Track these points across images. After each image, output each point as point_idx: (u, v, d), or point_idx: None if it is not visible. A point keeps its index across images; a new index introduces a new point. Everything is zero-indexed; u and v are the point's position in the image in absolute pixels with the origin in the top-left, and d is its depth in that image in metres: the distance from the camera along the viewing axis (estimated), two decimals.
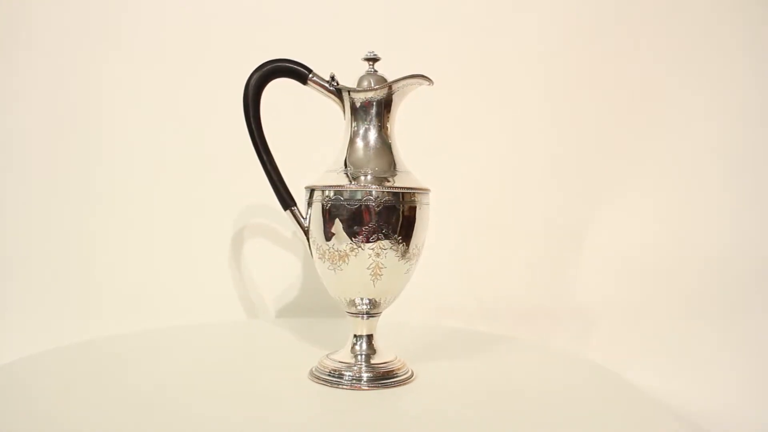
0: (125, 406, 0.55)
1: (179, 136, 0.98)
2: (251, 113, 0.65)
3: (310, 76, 0.66)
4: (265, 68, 0.66)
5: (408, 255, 0.63)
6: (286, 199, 0.66)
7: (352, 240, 0.61)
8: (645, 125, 1.02)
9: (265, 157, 0.66)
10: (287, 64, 0.66)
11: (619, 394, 0.65)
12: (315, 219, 0.63)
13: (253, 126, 0.66)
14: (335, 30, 1.00)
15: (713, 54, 1.01)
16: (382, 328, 0.69)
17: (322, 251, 0.63)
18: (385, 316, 0.69)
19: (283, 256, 1.00)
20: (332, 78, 0.66)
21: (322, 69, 0.67)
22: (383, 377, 0.64)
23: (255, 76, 0.65)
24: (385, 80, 0.65)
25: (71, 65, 0.96)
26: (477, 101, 1.03)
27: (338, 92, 0.66)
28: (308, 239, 0.65)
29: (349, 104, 0.65)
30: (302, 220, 0.66)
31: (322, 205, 0.62)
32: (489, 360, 0.76)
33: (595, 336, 1.01)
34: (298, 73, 0.66)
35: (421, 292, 0.97)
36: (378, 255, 0.61)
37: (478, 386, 0.65)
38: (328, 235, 0.62)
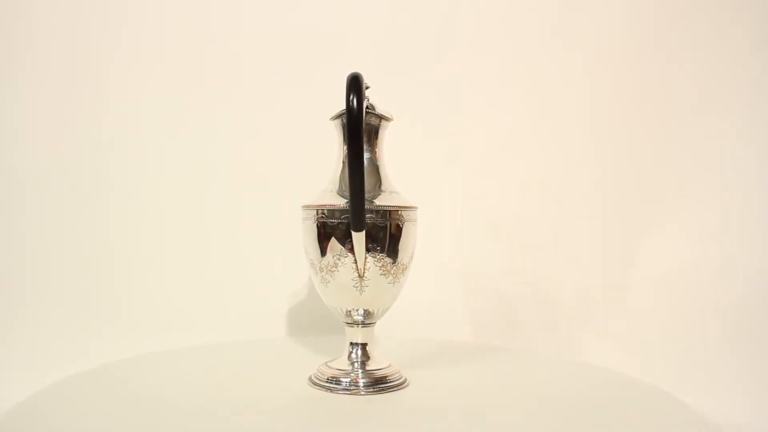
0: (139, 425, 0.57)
1: (192, 150, 1.00)
2: (357, 129, 0.60)
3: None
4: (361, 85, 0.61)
5: (396, 268, 0.68)
6: (366, 220, 0.64)
7: (344, 256, 0.66)
8: (697, 143, 1.04)
9: (359, 179, 0.60)
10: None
11: (652, 402, 0.67)
12: (310, 236, 0.69)
13: (361, 142, 0.60)
14: (387, 34, 1.04)
15: (764, 74, 1.02)
16: (377, 339, 0.74)
17: (317, 266, 0.69)
18: (381, 329, 0.73)
19: (292, 273, 1.02)
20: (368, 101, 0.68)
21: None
22: (378, 382, 0.69)
23: (363, 92, 0.62)
24: (374, 108, 0.70)
25: (73, 74, 0.97)
26: (522, 119, 1.07)
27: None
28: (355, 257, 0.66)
29: (341, 129, 0.70)
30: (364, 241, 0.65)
31: (317, 223, 0.68)
32: (491, 368, 0.80)
33: (632, 350, 1.02)
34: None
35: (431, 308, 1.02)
36: (368, 269, 0.66)
37: (477, 391, 0.69)
38: (323, 251, 0.68)
